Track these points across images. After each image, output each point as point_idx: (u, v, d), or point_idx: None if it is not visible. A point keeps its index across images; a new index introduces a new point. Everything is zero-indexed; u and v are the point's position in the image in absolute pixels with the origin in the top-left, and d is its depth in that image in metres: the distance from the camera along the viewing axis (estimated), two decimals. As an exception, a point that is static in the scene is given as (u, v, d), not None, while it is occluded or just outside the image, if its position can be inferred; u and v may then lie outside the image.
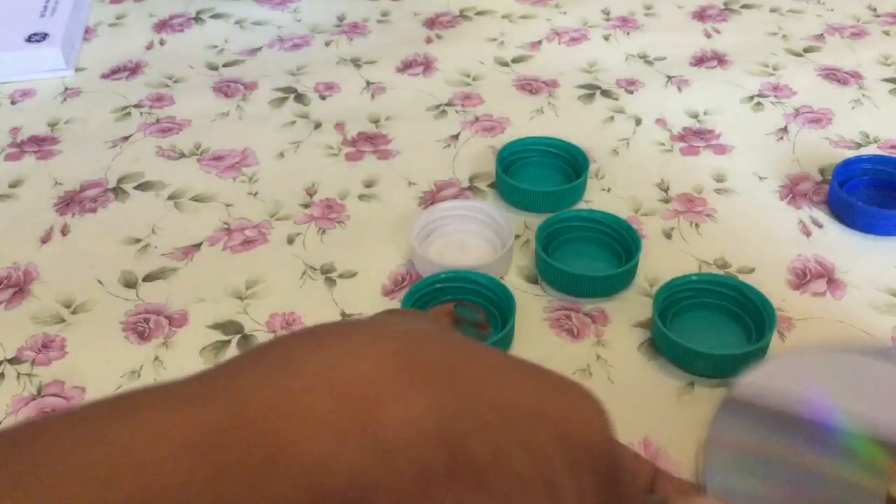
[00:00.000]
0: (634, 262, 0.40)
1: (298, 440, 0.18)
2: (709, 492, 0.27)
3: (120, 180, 0.49)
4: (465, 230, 0.44)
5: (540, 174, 0.48)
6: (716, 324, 0.39)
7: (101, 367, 0.37)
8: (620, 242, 0.42)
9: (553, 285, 0.41)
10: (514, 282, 0.41)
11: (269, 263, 0.43)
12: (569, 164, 0.48)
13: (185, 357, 0.38)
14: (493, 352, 0.21)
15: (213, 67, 0.59)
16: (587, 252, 0.43)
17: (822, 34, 0.62)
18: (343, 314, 0.40)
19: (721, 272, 0.42)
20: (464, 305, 0.38)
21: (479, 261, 0.42)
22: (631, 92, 0.56)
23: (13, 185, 0.49)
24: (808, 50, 0.60)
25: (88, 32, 0.64)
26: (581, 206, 0.46)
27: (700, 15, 0.65)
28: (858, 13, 0.65)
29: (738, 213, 0.46)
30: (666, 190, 0.47)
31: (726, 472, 0.29)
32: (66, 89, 0.57)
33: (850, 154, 0.48)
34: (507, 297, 0.39)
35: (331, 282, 0.42)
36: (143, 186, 0.48)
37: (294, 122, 0.53)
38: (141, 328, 0.39)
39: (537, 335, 0.39)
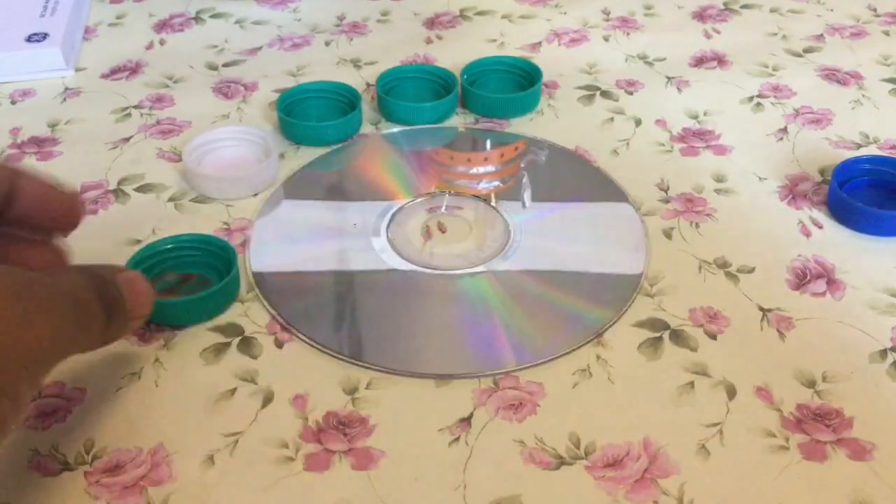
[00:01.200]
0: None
1: None
2: None
3: (120, 182, 0.49)
4: (238, 151, 0.50)
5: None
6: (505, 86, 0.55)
7: (101, 368, 0.37)
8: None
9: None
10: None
11: (270, 264, 0.43)
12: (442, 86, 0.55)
13: (185, 359, 0.38)
14: None
15: (213, 67, 0.59)
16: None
17: (822, 34, 0.62)
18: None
19: (722, 271, 0.42)
20: (164, 279, 0.41)
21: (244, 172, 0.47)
22: (631, 93, 0.56)
23: (13, 185, 0.49)
24: (808, 50, 0.60)
25: (88, 32, 0.64)
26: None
27: (700, 15, 0.65)
28: (858, 13, 0.65)
29: (738, 214, 0.46)
30: (666, 190, 0.47)
31: None
32: (66, 89, 0.57)
33: (850, 154, 0.48)
34: (224, 249, 0.41)
35: (331, 282, 0.42)
36: (143, 188, 0.48)
37: (294, 123, 0.53)
38: (141, 329, 0.39)
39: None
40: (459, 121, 0.53)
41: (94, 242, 0.44)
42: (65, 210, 0.34)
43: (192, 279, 0.41)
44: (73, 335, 0.28)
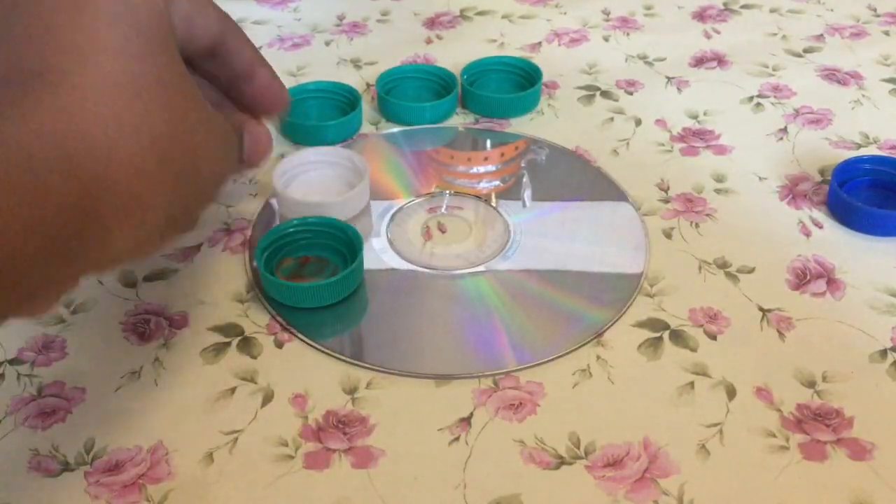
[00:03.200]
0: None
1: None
2: None
3: (120, 181, 0.49)
4: (326, 174, 0.47)
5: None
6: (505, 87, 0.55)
7: (102, 367, 0.37)
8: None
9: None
10: (514, 282, 0.41)
11: (270, 264, 0.43)
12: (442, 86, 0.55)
13: (185, 358, 0.38)
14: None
15: (213, 68, 0.59)
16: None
17: (821, 34, 0.62)
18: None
19: (722, 271, 0.42)
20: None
21: (337, 198, 0.43)
22: (631, 93, 0.56)
23: (13, 185, 0.49)
24: (807, 50, 0.60)
25: (88, 33, 0.64)
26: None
27: (700, 15, 0.65)
28: (858, 13, 0.65)
29: (738, 213, 0.46)
30: (666, 190, 0.47)
31: None
32: (67, 90, 0.57)
33: (850, 154, 0.48)
34: (354, 236, 0.41)
35: (331, 282, 0.42)
36: (143, 187, 0.48)
37: (294, 123, 0.53)
38: (141, 329, 0.39)
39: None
40: (459, 121, 0.53)
41: (94, 242, 0.44)
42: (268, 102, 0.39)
43: (309, 262, 0.42)
44: (231, 167, 0.33)
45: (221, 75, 0.37)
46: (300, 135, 0.51)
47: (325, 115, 0.53)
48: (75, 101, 0.25)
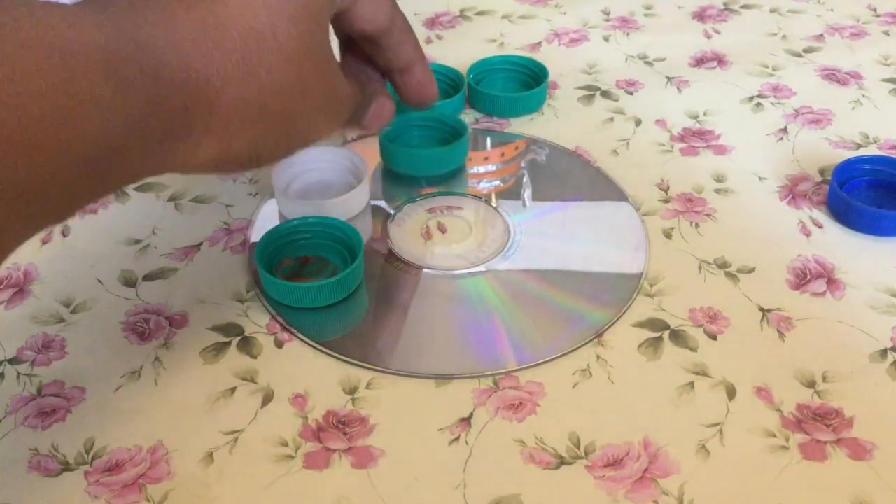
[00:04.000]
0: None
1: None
2: None
3: (120, 180, 0.48)
4: (326, 174, 0.47)
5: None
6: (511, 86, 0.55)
7: (101, 367, 0.37)
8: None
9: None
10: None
11: (270, 264, 0.43)
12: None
13: (185, 358, 0.38)
14: None
15: (213, 67, 0.59)
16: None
17: (821, 34, 0.62)
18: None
19: (722, 271, 0.42)
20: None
21: (337, 198, 0.44)
22: (631, 93, 0.56)
23: (13, 185, 0.49)
24: (807, 50, 0.60)
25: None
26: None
27: (700, 15, 0.65)
28: (858, 13, 0.65)
29: (738, 213, 0.46)
30: (666, 190, 0.47)
31: None
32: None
33: (850, 154, 0.48)
34: (354, 236, 0.41)
35: (331, 282, 0.42)
36: (143, 188, 0.48)
37: (294, 123, 0.53)
38: (141, 328, 0.39)
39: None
40: (469, 120, 0.53)
41: (94, 242, 0.44)
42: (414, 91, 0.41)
43: (309, 262, 0.42)
44: (332, 128, 0.34)
45: (379, 61, 0.39)
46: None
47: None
48: (216, 24, 0.27)
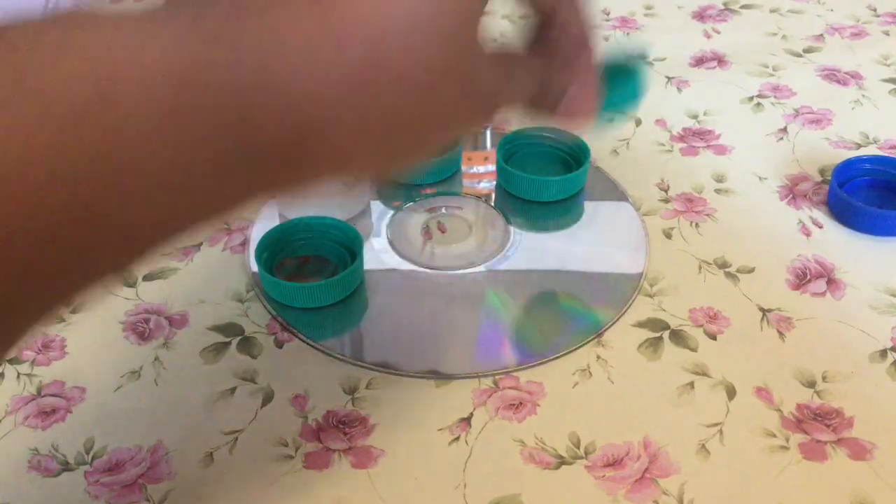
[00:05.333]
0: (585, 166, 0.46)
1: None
2: None
3: (120, 180, 0.49)
4: None
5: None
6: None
7: (101, 367, 0.37)
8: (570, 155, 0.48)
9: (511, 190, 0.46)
10: (515, 282, 0.41)
11: (270, 263, 0.43)
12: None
13: (185, 358, 0.38)
14: None
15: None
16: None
17: (821, 34, 0.62)
18: (343, 314, 0.40)
19: (722, 271, 0.42)
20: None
21: (336, 198, 0.44)
22: (631, 92, 0.56)
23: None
24: (807, 50, 0.60)
25: (88, 32, 0.64)
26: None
27: (700, 15, 0.65)
28: (858, 13, 0.65)
29: (738, 214, 0.46)
30: (666, 190, 0.47)
31: None
32: (66, 89, 0.57)
33: (850, 154, 0.48)
34: (354, 236, 0.41)
35: (331, 282, 0.42)
36: (143, 186, 0.48)
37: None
38: (141, 328, 0.39)
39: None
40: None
41: (94, 242, 0.44)
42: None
43: (309, 261, 0.42)
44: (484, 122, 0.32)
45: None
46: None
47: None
48: (332, 34, 0.22)
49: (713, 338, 0.38)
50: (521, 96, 0.31)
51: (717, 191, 0.47)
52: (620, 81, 0.34)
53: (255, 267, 0.41)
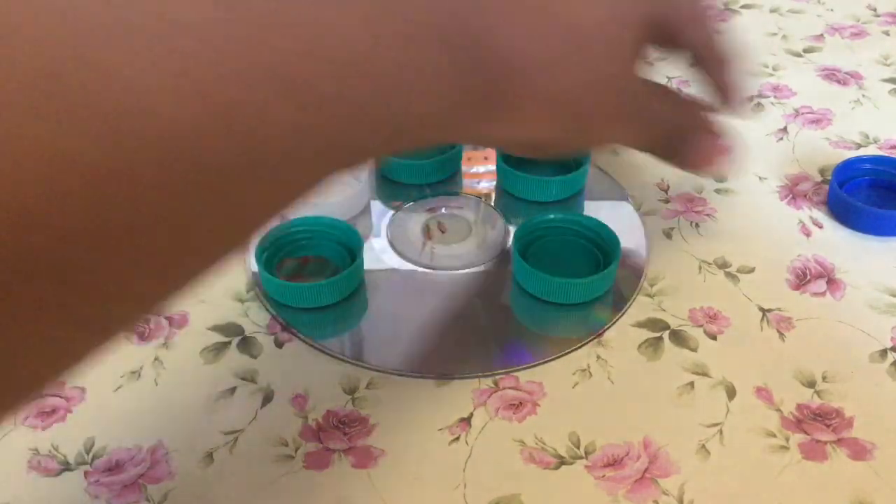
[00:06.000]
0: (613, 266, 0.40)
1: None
2: None
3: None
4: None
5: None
6: (569, 257, 0.43)
7: (101, 367, 0.37)
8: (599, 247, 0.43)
9: (530, 290, 0.41)
10: (515, 282, 0.41)
11: (270, 263, 0.43)
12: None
13: (185, 357, 0.38)
14: None
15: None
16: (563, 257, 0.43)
17: (821, 34, 0.62)
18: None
19: (722, 271, 0.42)
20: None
21: (337, 198, 0.44)
22: (631, 92, 0.56)
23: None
24: (807, 50, 0.60)
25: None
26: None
27: (700, 15, 0.65)
28: (858, 13, 0.65)
29: (738, 214, 0.46)
30: (666, 190, 0.47)
31: None
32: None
33: (850, 154, 0.48)
34: (354, 236, 0.41)
35: (331, 282, 0.42)
36: (143, 186, 0.48)
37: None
38: (141, 328, 0.39)
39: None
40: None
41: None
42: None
43: (309, 262, 0.42)
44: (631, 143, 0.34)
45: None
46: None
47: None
48: (538, 10, 0.26)
49: (713, 338, 0.38)
50: (656, 129, 0.34)
51: (717, 191, 0.47)
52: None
53: (255, 267, 0.41)
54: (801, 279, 0.42)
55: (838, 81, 0.57)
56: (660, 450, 0.34)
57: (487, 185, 0.48)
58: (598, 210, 0.46)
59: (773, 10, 0.65)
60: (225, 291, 0.41)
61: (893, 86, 0.56)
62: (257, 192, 0.19)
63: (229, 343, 0.39)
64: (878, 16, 0.65)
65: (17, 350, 0.16)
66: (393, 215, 0.45)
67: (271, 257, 0.41)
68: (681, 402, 0.36)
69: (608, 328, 0.39)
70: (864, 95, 0.55)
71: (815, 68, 0.58)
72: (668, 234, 0.44)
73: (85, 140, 0.15)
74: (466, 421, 0.35)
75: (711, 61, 0.36)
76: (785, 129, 0.52)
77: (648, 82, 0.32)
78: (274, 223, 0.43)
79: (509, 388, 0.36)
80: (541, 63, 0.26)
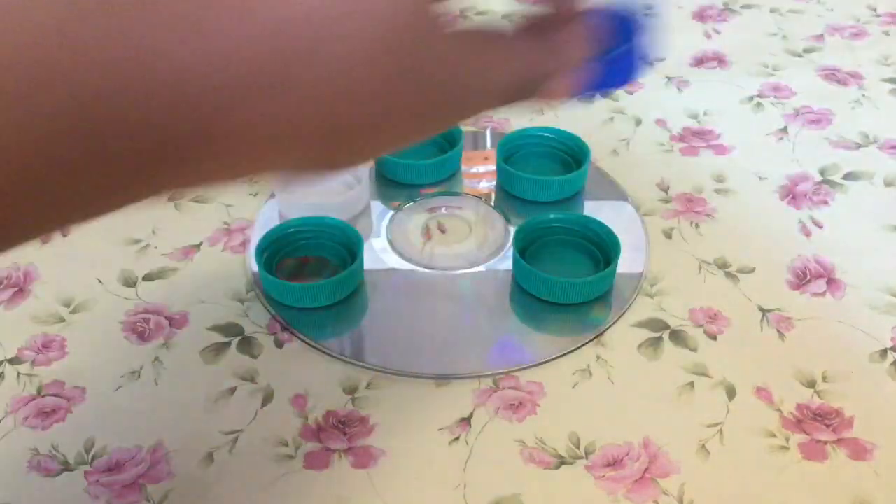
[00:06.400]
0: (613, 266, 0.40)
1: None
2: None
3: (120, 180, 0.48)
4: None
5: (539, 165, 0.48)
6: (569, 256, 0.42)
7: (101, 367, 0.37)
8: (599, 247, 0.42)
9: (530, 290, 0.41)
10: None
11: (270, 263, 0.43)
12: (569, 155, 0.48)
13: (185, 358, 0.38)
14: None
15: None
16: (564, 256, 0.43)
17: (821, 34, 0.62)
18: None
19: (722, 271, 0.42)
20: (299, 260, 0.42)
21: (337, 198, 0.44)
22: (631, 93, 0.56)
23: (13, 185, 0.49)
24: (807, 50, 0.60)
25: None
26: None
27: (700, 15, 0.65)
28: (858, 13, 0.65)
29: (738, 213, 0.46)
30: (666, 190, 0.47)
31: None
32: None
33: (851, 154, 0.48)
34: (354, 236, 0.41)
35: (331, 282, 0.42)
36: (143, 186, 0.48)
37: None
38: (141, 328, 0.39)
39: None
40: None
41: (94, 242, 0.44)
42: None
43: (309, 262, 0.42)
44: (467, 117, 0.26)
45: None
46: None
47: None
48: (231, 12, 0.17)
49: (713, 338, 0.38)
50: (507, 85, 0.27)
51: (717, 191, 0.47)
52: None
53: (255, 267, 0.41)
54: (801, 279, 0.42)
55: (838, 81, 0.57)
56: (660, 450, 0.34)
57: (487, 185, 0.48)
58: (598, 210, 0.46)
59: (773, 10, 0.65)
60: (225, 291, 0.41)
61: (893, 86, 0.56)
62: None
63: (229, 343, 0.39)
64: (878, 16, 0.65)
65: None
66: (393, 215, 0.45)
67: (271, 257, 0.41)
68: (681, 402, 0.36)
69: (608, 328, 0.39)
70: (864, 95, 0.55)
71: (815, 68, 0.58)
72: (668, 234, 0.44)
73: None
74: (466, 421, 0.35)
75: None
76: (785, 129, 0.52)
77: (465, 33, 0.25)
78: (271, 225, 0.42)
79: (509, 388, 0.36)
80: (240, 86, 0.18)
